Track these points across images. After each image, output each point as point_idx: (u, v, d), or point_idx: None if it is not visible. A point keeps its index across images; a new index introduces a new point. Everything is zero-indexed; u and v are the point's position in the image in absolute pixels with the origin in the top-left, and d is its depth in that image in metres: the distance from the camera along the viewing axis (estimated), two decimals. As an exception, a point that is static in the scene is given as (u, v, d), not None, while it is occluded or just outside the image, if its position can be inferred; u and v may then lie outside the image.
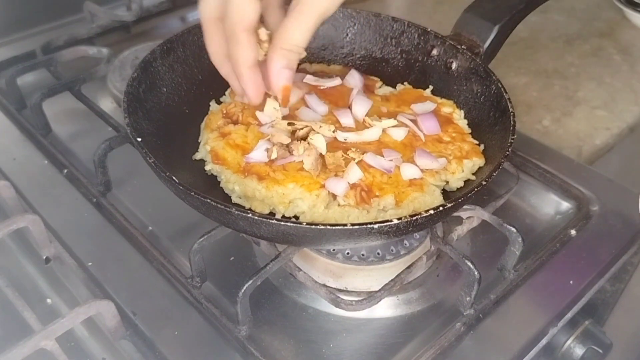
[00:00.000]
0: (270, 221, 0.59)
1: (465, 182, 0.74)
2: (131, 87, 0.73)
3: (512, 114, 0.72)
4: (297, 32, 0.62)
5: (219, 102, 0.83)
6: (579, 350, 0.76)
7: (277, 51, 0.63)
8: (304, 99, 0.80)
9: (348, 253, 0.75)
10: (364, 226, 0.58)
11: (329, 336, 0.71)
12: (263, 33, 0.65)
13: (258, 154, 0.71)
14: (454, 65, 0.84)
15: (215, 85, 0.84)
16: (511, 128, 0.71)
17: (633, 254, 0.82)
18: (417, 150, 0.74)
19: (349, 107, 0.80)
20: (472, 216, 0.77)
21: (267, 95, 0.72)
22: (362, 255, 0.75)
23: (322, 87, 0.83)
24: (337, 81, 0.84)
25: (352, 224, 0.58)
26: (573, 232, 0.82)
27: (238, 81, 0.68)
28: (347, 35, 0.91)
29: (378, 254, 0.75)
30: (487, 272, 0.77)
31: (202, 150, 0.77)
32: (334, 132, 0.74)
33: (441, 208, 0.61)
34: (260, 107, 0.74)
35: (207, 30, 0.68)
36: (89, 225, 0.82)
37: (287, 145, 0.71)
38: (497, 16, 0.83)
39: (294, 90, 0.80)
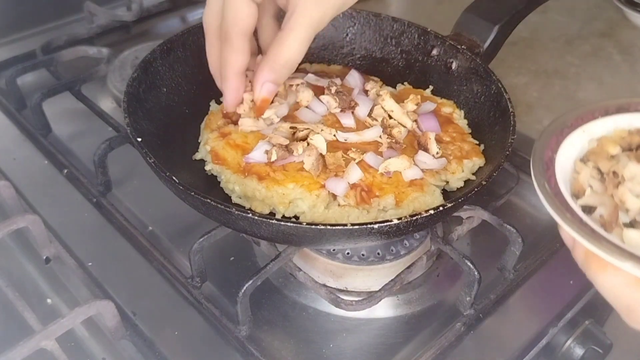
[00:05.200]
0: (270, 221, 0.59)
1: (465, 182, 0.74)
2: (131, 87, 0.73)
3: (512, 114, 0.72)
4: (292, 50, 0.62)
5: (219, 102, 0.83)
6: (579, 350, 0.76)
7: (269, 64, 0.63)
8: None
9: (348, 253, 0.75)
10: (364, 226, 0.58)
11: (329, 336, 0.71)
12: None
13: (257, 155, 0.71)
14: (454, 65, 0.84)
15: (215, 86, 0.84)
16: (511, 128, 0.71)
17: (633, 253, 0.82)
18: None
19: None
20: (472, 216, 0.77)
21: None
22: (362, 255, 0.75)
23: (322, 87, 0.83)
24: (337, 81, 0.84)
25: (352, 224, 0.58)
26: (573, 232, 0.82)
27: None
28: (347, 35, 0.91)
29: (378, 254, 0.75)
30: (487, 272, 0.77)
31: (202, 150, 0.77)
32: (334, 135, 0.74)
33: (441, 208, 0.61)
34: (260, 112, 0.72)
35: (209, 39, 0.67)
36: (89, 225, 0.82)
37: (287, 146, 0.71)
38: (497, 16, 0.83)
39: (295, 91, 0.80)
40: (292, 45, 0.61)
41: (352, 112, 0.78)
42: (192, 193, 0.61)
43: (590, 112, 0.63)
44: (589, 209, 0.55)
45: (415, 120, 0.78)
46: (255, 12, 0.62)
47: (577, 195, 0.57)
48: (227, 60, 0.65)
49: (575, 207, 0.54)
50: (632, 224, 0.53)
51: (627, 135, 0.62)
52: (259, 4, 0.63)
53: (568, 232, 0.51)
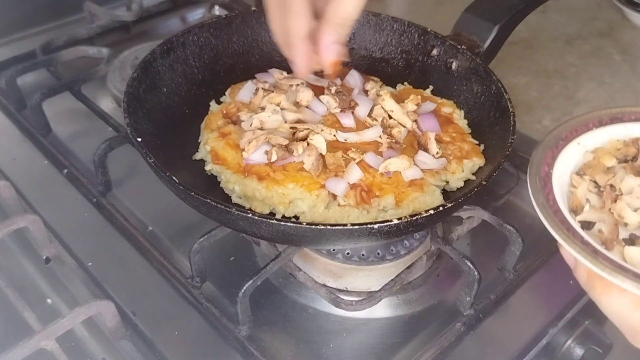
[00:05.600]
0: (270, 221, 0.59)
1: (465, 182, 0.74)
2: (131, 87, 0.73)
3: (512, 114, 0.72)
4: (349, 6, 0.62)
5: (219, 102, 0.83)
6: (579, 350, 0.76)
7: (330, 26, 0.63)
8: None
9: (348, 253, 0.75)
10: (364, 226, 0.58)
11: (329, 336, 0.71)
12: None
13: (257, 156, 0.71)
14: (454, 65, 0.84)
15: (215, 85, 0.85)
16: (511, 128, 0.71)
17: (633, 253, 0.82)
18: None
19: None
20: (472, 216, 0.77)
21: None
22: (362, 255, 0.75)
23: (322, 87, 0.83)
24: (337, 81, 0.83)
25: (352, 224, 0.58)
26: (573, 232, 0.82)
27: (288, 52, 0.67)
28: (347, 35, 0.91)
29: (378, 254, 0.75)
30: (487, 272, 0.77)
31: (202, 150, 0.77)
32: (334, 135, 0.74)
33: (441, 208, 0.61)
34: (334, 74, 0.72)
35: (270, 9, 0.68)
36: (89, 225, 0.82)
37: (287, 146, 0.71)
38: (497, 16, 0.83)
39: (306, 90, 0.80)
40: (349, 5, 0.62)
41: (352, 112, 0.78)
42: (192, 193, 0.61)
43: (584, 123, 0.63)
44: (587, 224, 0.55)
45: (415, 120, 0.78)
46: None
47: (575, 211, 0.56)
48: (290, 27, 0.65)
49: (575, 224, 0.53)
50: (631, 239, 0.53)
51: (622, 147, 0.61)
52: None
53: (570, 252, 0.50)
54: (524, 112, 1.11)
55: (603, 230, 0.54)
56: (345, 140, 0.74)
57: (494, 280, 0.76)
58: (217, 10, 1.28)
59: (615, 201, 0.56)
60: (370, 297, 0.67)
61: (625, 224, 0.54)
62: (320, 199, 0.68)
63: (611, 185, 0.57)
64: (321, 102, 0.79)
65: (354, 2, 0.63)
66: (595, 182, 0.59)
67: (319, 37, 0.65)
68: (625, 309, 0.48)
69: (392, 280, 0.68)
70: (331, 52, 0.65)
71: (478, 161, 0.75)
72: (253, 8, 0.98)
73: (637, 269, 0.48)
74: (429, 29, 0.86)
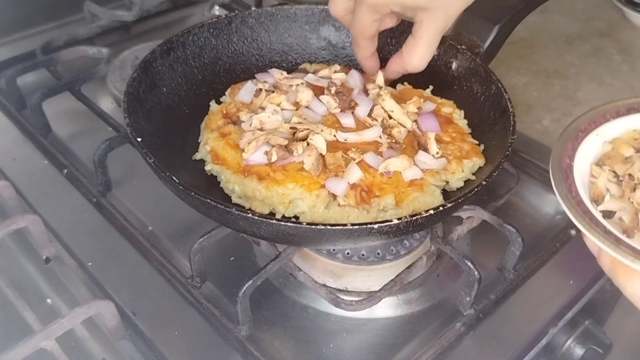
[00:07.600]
0: (270, 221, 0.59)
1: (465, 182, 0.74)
2: (131, 87, 0.73)
3: (512, 113, 0.72)
4: (422, 53, 0.74)
5: (219, 102, 0.83)
6: (579, 350, 0.76)
7: (403, 66, 0.77)
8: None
9: (348, 253, 0.75)
10: (364, 226, 0.58)
11: (329, 336, 0.71)
12: None
13: (257, 156, 0.71)
14: (454, 65, 0.84)
15: (215, 85, 0.85)
16: (511, 128, 0.71)
17: (633, 254, 0.82)
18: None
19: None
20: (472, 216, 0.77)
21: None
22: (362, 255, 0.75)
23: (322, 87, 0.83)
24: (337, 81, 0.83)
25: (352, 224, 0.58)
26: (573, 232, 0.82)
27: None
28: (348, 35, 0.91)
29: (378, 254, 0.75)
30: (487, 272, 0.77)
31: (202, 150, 0.77)
32: (334, 135, 0.74)
33: (441, 208, 0.61)
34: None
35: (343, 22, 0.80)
36: (89, 225, 0.82)
37: (287, 146, 0.71)
38: (497, 16, 0.83)
39: (306, 89, 0.80)
40: (422, 51, 0.74)
41: (352, 112, 0.78)
42: (192, 193, 0.61)
43: (602, 115, 0.65)
44: (609, 214, 0.57)
45: (415, 121, 0.78)
46: (377, 23, 0.76)
47: (596, 201, 0.58)
48: (357, 54, 0.82)
49: (597, 213, 0.55)
50: None
51: (639, 136, 0.63)
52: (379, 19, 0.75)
53: (594, 241, 0.52)
54: (524, 112, 1.11)
55: (624, 219, 0.56)
56: (345, 140, 0.74)
57: (494, 280, 0.76)
58: (217, 10, 1.28)
59: (635, 190, 0.58)
60: (370, 297, 0.67)
61: None
62: (320, 199, 0.68)
63: (630, 175, 0.59)
64: (321, 102, 0.79)
65: (425, 52, 0.74)
66: (614, 172, 0.61)
67: (389, 63, 0.80)
68: None
69: (392, 280, 0.68)
70: (392, 76, 0.82)
71: (478, 161, 0.75)
72: (253, 8, 0.98)
73: None
74: (429, 29, 0.86)
